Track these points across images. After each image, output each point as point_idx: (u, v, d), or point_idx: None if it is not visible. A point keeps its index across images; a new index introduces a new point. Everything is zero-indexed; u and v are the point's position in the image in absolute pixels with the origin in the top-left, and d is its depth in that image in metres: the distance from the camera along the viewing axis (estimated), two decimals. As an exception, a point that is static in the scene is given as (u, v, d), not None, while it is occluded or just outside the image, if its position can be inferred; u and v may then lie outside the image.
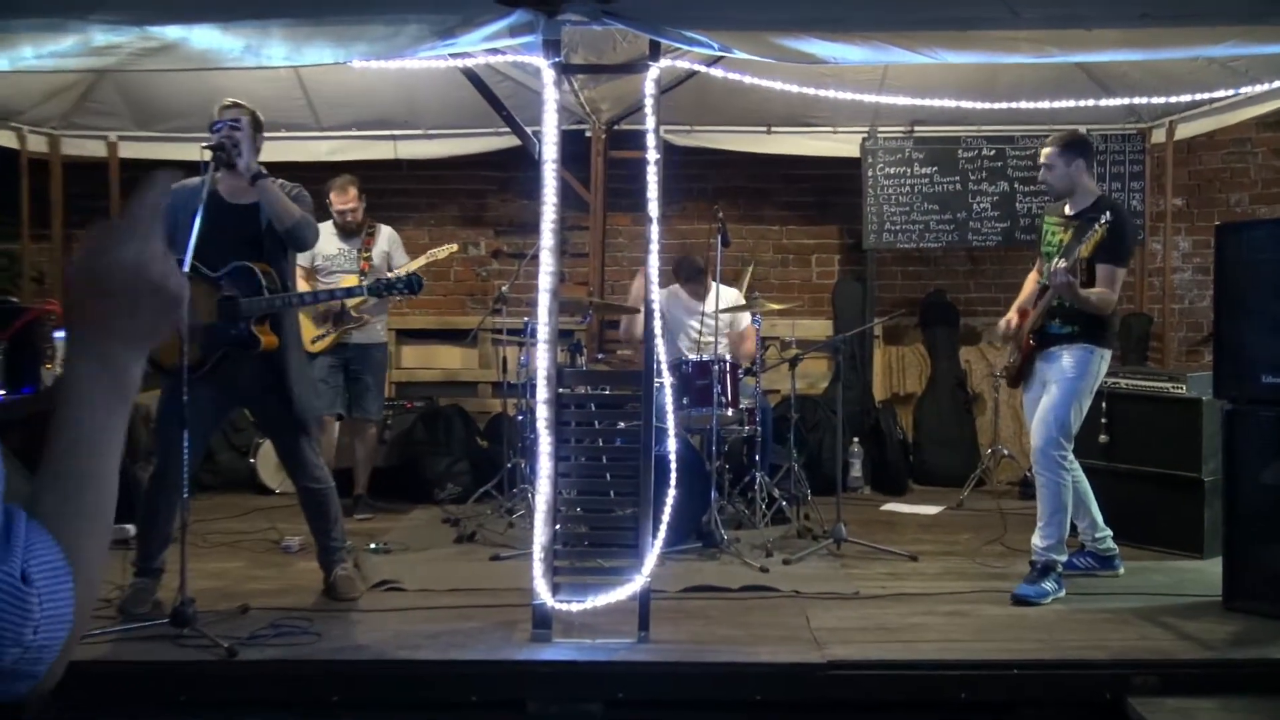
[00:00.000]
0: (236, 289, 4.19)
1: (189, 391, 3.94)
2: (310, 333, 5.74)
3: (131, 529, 4.44)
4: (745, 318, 6.27)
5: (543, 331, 4.07)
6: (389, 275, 4.42)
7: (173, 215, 4.20)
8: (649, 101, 4.14)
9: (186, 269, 3.89)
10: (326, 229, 5.99)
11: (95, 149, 7.31)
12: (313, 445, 4.52)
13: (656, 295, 4.18)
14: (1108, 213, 4.44)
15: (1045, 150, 4.71)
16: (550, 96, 4.06)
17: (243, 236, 4.26)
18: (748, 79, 5.19)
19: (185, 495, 4.02)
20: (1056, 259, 4.55)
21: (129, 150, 7.26)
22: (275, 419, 4.48)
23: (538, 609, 4.00)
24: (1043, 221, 4.97)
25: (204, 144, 4.15)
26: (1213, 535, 4.93)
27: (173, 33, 3.94)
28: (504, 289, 6.25)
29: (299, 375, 4.42)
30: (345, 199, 6.05)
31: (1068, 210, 4.77)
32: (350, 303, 5.88)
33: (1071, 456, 4.64)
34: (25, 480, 1.02)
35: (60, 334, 5.49)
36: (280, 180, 4.34)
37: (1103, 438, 5.42)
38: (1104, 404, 5.33)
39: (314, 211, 4.49)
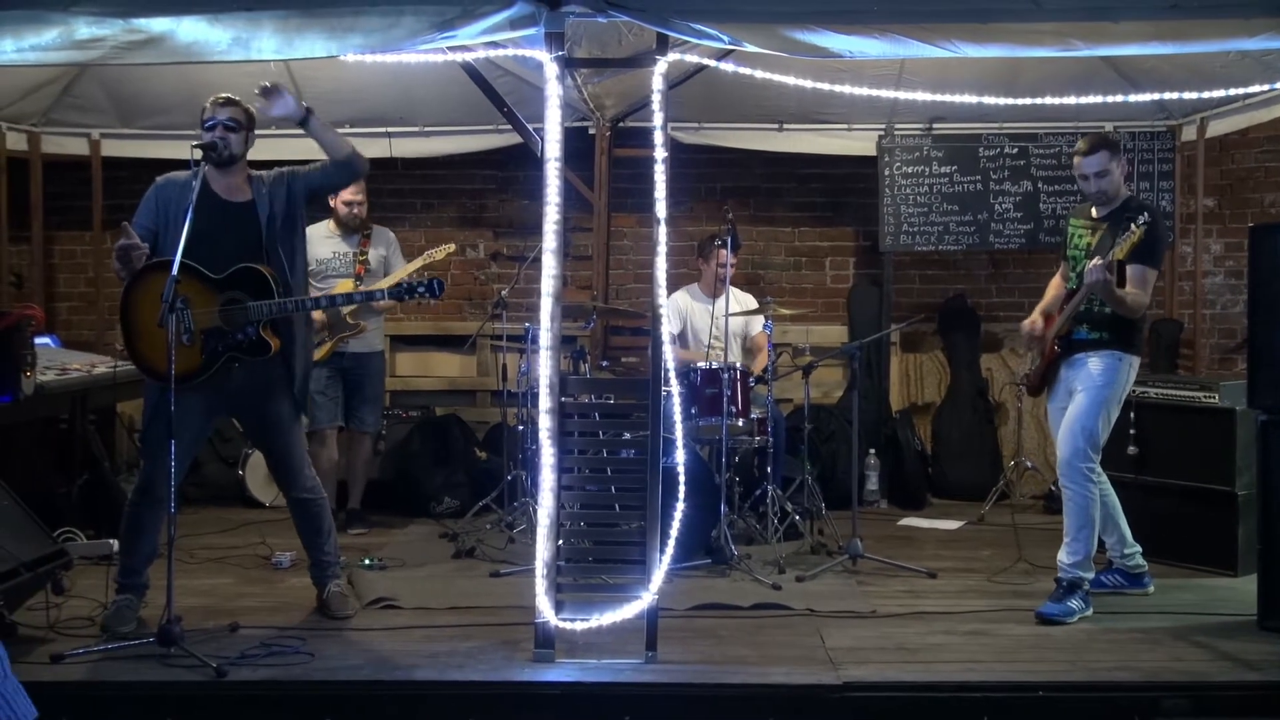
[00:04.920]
0: (243, 292, 4.10)
1: (177, 399, 3.83)
2: None
3: (114, 544, 4.37)
4: (758, 326, 6.12)
5: (544, 337, 4.01)
6: (408, 278, 4.36)
7: (163, 211, 4.15)
8: (656, 97, 4.11)
9: (176, 270, 3.78)
10: (322, 229, 5.92)
11: (77, 147, 7.13)
12: (305, 455, 4.43)
13: (664, 299, 4.09)
14: (1145, 214, 4.32)
15: (1094, 156, 4.50)
16: (553, 92, 4.00)
17: (242, 238, 4.17)
18: (759, 74, 5.09)
19: (172, 509, 3.91)
20: (1091, 258, 4.40)
21: (112, 148, 7.10)
22: (267, 427, 4.36)
23: (540, 628, 3.95)
24: (1067, 224, 4.84)
25: (194, 143, 4.06)
26: (1247, 552, 4.84)
27: (159, 25, 3.84)
28: (504, 293, 6.17)
29: (304, 381, 4.35)
30: (356, 191, 5.91)
31: (1094, 213, 4.63)
32: (344, 310, 5.75)
33: (1099, 469, 4.53)
34: None
35: (40, 340, 5.37)
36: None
37: (1131, 450, 5.28)
38: (1132, 414, 5.21)
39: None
